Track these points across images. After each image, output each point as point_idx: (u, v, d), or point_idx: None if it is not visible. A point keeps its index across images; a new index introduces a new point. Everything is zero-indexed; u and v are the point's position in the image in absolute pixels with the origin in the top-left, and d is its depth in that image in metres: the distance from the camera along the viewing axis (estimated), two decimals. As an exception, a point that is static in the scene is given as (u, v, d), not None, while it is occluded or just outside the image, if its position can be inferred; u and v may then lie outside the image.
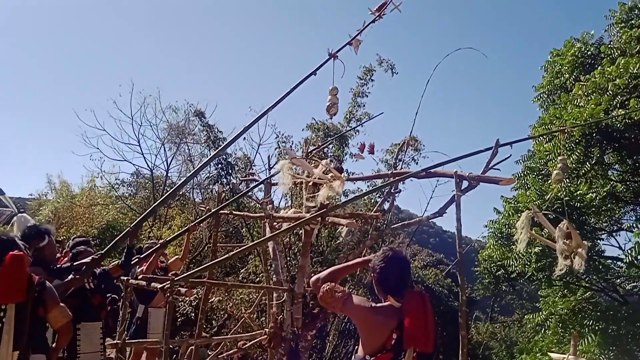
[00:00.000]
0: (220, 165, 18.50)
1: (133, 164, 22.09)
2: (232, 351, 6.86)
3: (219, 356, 6.69)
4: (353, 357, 2.56)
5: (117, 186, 22.09)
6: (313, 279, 2.77)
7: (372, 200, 14.56)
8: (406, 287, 2.57)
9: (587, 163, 10.31)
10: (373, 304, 2.54)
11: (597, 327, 10.40)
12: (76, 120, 30.24)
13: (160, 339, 5.92)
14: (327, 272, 2.79)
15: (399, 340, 2.39)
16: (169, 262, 6.80)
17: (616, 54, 10.62)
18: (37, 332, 3.19)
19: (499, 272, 12.86)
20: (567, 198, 9.73)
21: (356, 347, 2.57)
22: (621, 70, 9.45)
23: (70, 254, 4.48)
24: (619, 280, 12.55)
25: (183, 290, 6.85)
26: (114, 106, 23.13)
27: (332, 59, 4.33)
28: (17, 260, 3.08)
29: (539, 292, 14.09)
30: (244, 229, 17.14)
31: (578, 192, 10.15)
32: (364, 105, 16.29)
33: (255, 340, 6.37)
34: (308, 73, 4.33)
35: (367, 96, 16.33)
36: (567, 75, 11.98)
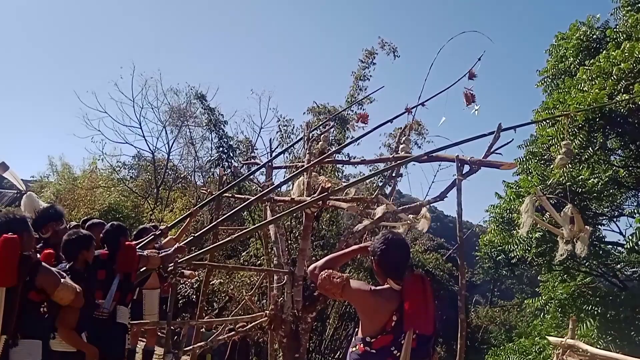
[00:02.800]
0: (221, 149, 18.51)
1: (134, 147, 22.14)
2: (232, 333, 6.92)
3: (220, 337, 6.75)
4: (353, 339, 2.57)
5: (119, 169, 22.13)
6: (310, 267, 2.73)
7: (374, 184, 14.57)
8: (406, 270, 2.57)
9: (590, 148, 10.25)
10: (373, 287, 2.54)
11: (596, 312, 10.44)
12: (77, 102, 30.19)
13: (155, 320, 5.95)
14: (324, 261, 2.73)
15: (399, 322, 2.40)
16: (164, 241, 6.77)
17: (622, 37, 10.47)
18: (29, 317, 3.09)
19: (500, 257, 12.88)
20: (569, 183, 9.69)
21: (356, 329, 2.59)
22: (626, 54, 9.33)
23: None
24: (619, 266, 12.60)
25: (187, 272, 6.90)
26: (115, 88, 23.15)
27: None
28: (9, 243, 2.96)
29: (538, 277, 14.13)
30: (245, 212, 17.20)
31: (580, 178, 10.11)
32: (366, 89, 16.23)
33: (255, 322, 6.42)
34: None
35: (369, 79, 16.25)
36: (572, 59, 11.84)
